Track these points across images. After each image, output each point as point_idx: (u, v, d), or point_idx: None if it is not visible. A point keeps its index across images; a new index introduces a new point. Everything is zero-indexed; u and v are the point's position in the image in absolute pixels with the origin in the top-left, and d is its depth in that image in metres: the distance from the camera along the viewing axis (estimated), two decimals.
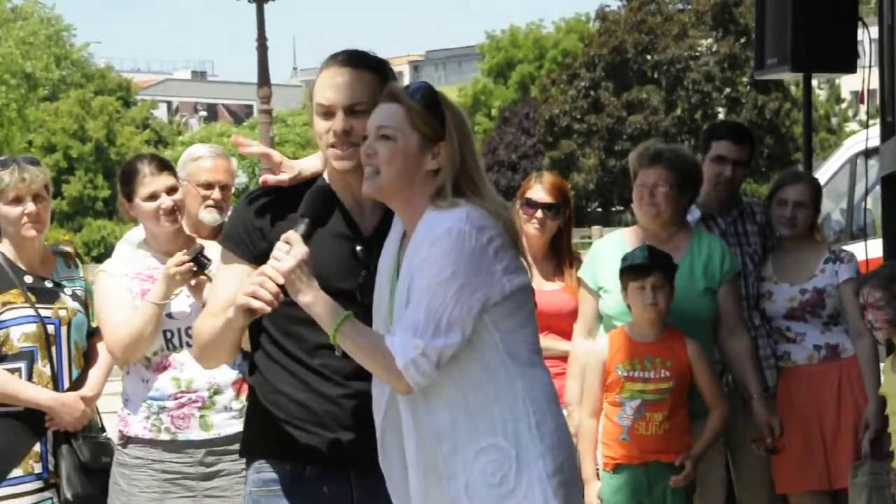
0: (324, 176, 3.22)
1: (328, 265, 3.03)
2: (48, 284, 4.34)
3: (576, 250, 5.08)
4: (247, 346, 3.27)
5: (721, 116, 35.98)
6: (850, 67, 6.20)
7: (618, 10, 38.98)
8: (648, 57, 38.08)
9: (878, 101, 6.24)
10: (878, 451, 4.69)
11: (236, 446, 3.52)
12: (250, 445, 3.26)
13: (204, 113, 63.70)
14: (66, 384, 4.31)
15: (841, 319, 4.87)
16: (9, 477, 4.21)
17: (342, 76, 3.09)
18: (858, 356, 4.82)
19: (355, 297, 3.05)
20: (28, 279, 4.31)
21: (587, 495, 4.46)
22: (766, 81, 29.58)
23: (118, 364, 4.31)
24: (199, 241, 4.28)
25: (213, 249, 3.92)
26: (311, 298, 2.87)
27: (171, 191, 4.20)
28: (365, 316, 2.98)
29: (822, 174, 10.26)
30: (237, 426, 4.02)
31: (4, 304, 4.24)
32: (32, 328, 4.25)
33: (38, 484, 4.25)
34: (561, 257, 4.93)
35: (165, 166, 4.25)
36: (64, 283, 4.38)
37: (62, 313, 4.31)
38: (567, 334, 4.79)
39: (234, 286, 3.03)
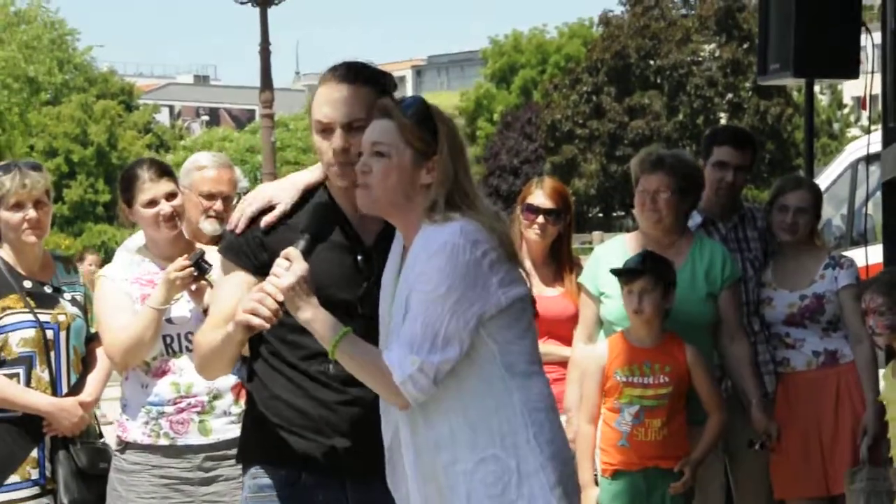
0: (326, 185, 3.21)
1: (329, 275, 3.03)
2: (47, 290, 4.34)
3: (576, 256, 5.07)
4: (246, 351, 3.27)
5: (723, 122, 35.99)
6: (853, 73, 6.20)
7: (621, 16, 39.03)
8: (651, 62, 38.12)
9: (879, 107, 6.23)
10: (876, 457, 4.68)
11: (235, 451, 3.51)
12: (247, 451, 3.26)
13: (206, 117, 63.72)
14: (65, 389, 4.30)
15: (840, 325, 4.87)
16: (6, 483, 4.20)
17: (339, 92, 3.09)
18: (857, 362, 4.82)
19: (356, 308, 3.06)
20: (27, 284, 4.30)
21: (585, 501, 4.45)
22: (768, 87, 29.60)
23: (117, 369, 4.30)
24: (200, 245, 4.27)
25: (213, 254, 3.92)
26: (311, 315, 2.87)
27: (171, 197, 4.20)
28: (366, 326, 2.98)
29: (824, 179, 10.25)
30: (236, 431, 4.00)
31: (3, 309, 4.24)
32: (31, 333, 4.25)
33: (35, 490, 4.24)
34: (561, 263, 4.92)
35: (165, 172, 4.25)
36: (63, 288, 4.38)
37: (61, 318, 4.31)
38: (567, 340, 4.79)
39: (235, 297, 3.04)
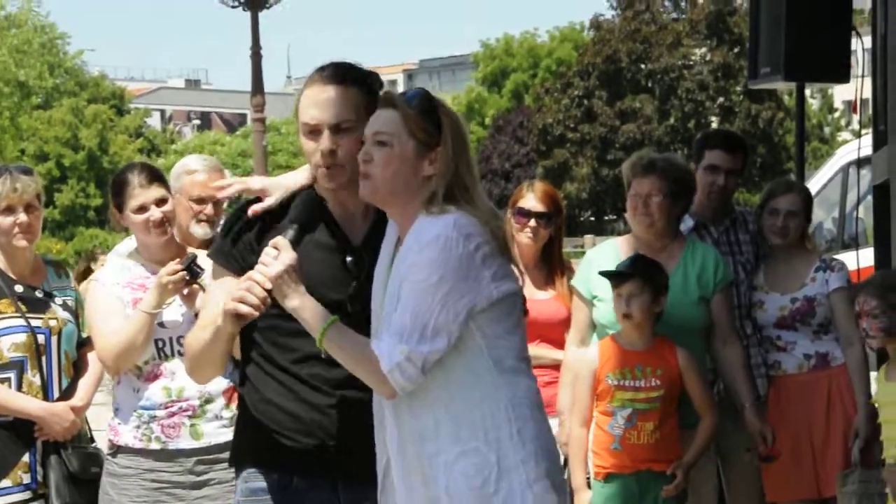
0: (314, 187, 3.21)
1: (318, 276, 3.03)
2: (39, 294, 4.33)
3: (567, 259, 5.08)
4: (237, 353, 3.27)
5: (714, 125, 36.03)
6: (843, 77, 6.21)
7: (612, 19, 39.07)
8: (642, 66, 38.16)
9: (870, 111, 6.24)
10: (867, 460, 4.69)
11: (227, 455, 3.51)
12: (239, 455, 3.26)
13: (197, 121, 63.68)
14: (56, 394, 4.30)
15: (831, 328, 4.88)
16: None
17: (327, 93, 3.08)
18: (848, 365, 4.83)
19: (345, 308, 3.05)
20: (18, 289, 4.29)
21: None
22: (759, 91, 29.65)
23: (109, 373, 4.30)
24: (192, 249, 4.27)
25: (205, 258, 3.91)
26: (299, 303, 2.88)
27: (161, 202, 4.20)
28: (356, 325, 2.97)
29: (815, 183, 10.26)
30: (228, 435, 4.01)
31: None
32: (22, 338, 4.24)
33: (26, 494, 4.23)
34: (552, 266, 4.93)
35: (156, 177, 4.24)
36: (55, 292, 4.37)
37: (52, 323, 4.30)
38: (558, 343, 4.80)
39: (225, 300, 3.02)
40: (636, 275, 4.38)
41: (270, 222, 3.15)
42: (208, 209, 4.40)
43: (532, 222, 4.85)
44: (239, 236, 3.16)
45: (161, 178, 4.28)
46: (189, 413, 4.18)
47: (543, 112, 38.31)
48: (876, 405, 4.69)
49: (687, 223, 4.92)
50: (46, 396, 4.28)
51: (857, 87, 6.31)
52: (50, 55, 43.10)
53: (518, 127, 40.29)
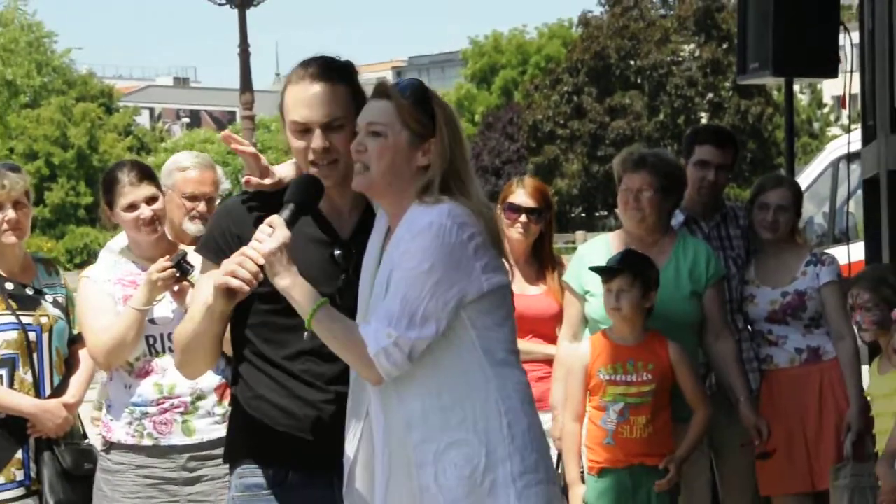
0: None
1: (307, 270, 3.02)
2: (29, 292, 4.33)
3: (558, 255, 5.08)
4: (229, 350, 3.27)
5: (704, 121, 36.11)
6: (832, 72, 6.22)
7: (600, 16, 39.13)
8: (631, 62, 38.23)
9: (859, 106, 6.26)
10: (860, 453, 4.70)
11: (219, 451, 3.51)
12: (233, 451, 3.25)
13: (187, 119, 63.54)
14: (48, 391, 4.30)
15: (822, 322, 4.89)
16: None
17: (315, 92, 3.06)
18: (840, 358, 4.84)
19: (335, 301, 3.04)
20: (9, 286, 4.29)
21: (572, 499, 4.47)
22: (748, 86, 29.69)
23: (101, 369, 4.30)
24: (183, 246, 4.27)
25: (196, 256, 3.91)
26: (290, 282, 2.87)
27: (151, 200, 4.19)
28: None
29: (805, 178, 10.29)
30: (220, 431, 4.01)
31: None
32: (13, 335, 4.24)
33: (20, 491, 4.23)
34: (543, 261, 4.94)
35: (146, 175, 4.23)
36: (45, 290, 4.37)
37: (43, 320, 4.30)
38: (549, 338, 4.80)
39: None
40: (626, 270, 4.39)
41: (259, 216, 3.14)
42: (201, 206, 4.39)
43: (522, 217, 4.85)
44: (227, 230, 3.16)
45: (152, 175, 4.27)
46: (181, 410, 4.17)
47: (533, 109, 38.36)
48: (868, 398, 4.71)
49: (677, 218, 4.93)
50: (38, 393, 4.27)
51: (845, 82, 6.31)
52: (37, 54, 43.01)
53: (508, 124, 40.34)
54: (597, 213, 39.49)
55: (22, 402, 4.23)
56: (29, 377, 4.27)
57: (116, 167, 4.31)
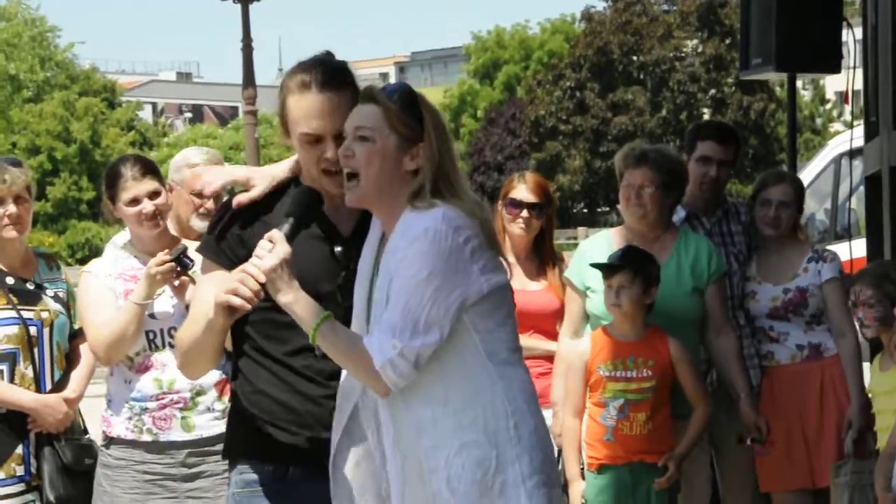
0: (300, 179, 3.20)
1: (307, 268, 3.02)
2: (30, 286, 4.33)
3: (559, 251, 5.08)
4: (229, 345, 3.26)
5: (706, 117, 36.06)
6: (835, 68, 6.22)
7: (603, 11, 39.06)
8: (634, 58, 38.16)
9: (862, 102, 6.25)
10: (861, 451, 4.70)
11: (219, 447, 3.51)
12: (233, 447, 3.26)
13: (189, 114, 63.54)
14: (49, 386, 4.30)
15: (824, 319, 4.88)
16: None
17: (324, 102, 3.05)
18: (841, 355, 4.83)
19: (335, 299, 3.05)
20: (10, 281, 4.29)
21: (571, 495, 4.47)
22: (751, 82, 29.66)
23: (101, 363, 4.30)
24: (184, 241, 4.27)
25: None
26: (292, 298, 2.86)
27: (154, 195, 4.19)
28: (345, 317, 2.98)
29: (807, 174, 10.28)
30: (220, 427, 4.01)
31: None
32: (14, 330, 4.24)
33: (20, 486, 4.24)
34: (544, 257, 4.93)
35: (149, 170, 4.24)
36: (46, 284, 4.37)
37: (44, 315, 4.30)
38: (550, 334, 4.80)
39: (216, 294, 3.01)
40: (627, 266, 4.38)
41: (258, 214, 3.14)
42: (209, 203, 4.39)
43: (524, 213, 4.85)
44: (227, 230, 3.15)
45: (154, 170, 4.27)
46: (180, 405, 4.18)
47: (535, 104, 38.31)
48: (870, 395, 4.70)
49: (679, 214, 4.92)
50: (39, 388, 4.28)
51: (848, 78, 6.31)
52: (40, 48, 43.00)
53: (510, 119, 40.29)
54: (598, 209, 39.44)
55: (23, 396, 4.23)
56: (30, 372, 4.27)
57: (119, 162, 4.31)
